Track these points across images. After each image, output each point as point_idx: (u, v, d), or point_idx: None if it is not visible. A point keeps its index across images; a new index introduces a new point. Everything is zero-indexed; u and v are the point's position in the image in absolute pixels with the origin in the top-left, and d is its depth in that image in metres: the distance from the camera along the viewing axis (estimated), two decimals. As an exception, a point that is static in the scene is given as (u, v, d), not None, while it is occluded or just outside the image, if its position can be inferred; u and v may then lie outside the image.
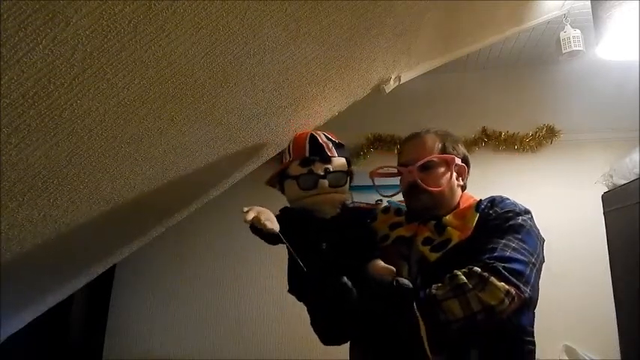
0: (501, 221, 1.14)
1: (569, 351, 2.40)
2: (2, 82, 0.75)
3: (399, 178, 1.31)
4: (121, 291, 2.81)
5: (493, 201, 1.20)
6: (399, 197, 1.34)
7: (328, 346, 1.14)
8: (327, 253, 1.11)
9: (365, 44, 1.27)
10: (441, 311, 1.00)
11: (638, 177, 1.77)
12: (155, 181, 1.33)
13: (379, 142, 2.88)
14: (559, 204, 2.63)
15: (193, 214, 1.81)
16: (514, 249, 1.07)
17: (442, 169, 1.23)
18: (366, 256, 1.14)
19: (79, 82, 0.83)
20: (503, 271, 1.01)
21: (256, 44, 1.00)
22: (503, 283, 1.00)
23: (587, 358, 2.35)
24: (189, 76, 0.98)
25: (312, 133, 1.25)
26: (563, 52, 2.22)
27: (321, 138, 1.23)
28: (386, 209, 1.36)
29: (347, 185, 1.23)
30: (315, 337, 1.14)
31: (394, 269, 1.09)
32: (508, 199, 1.22)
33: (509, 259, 1.04)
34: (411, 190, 1.24)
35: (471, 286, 1.00)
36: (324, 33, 1.10)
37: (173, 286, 2.83)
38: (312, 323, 1.15)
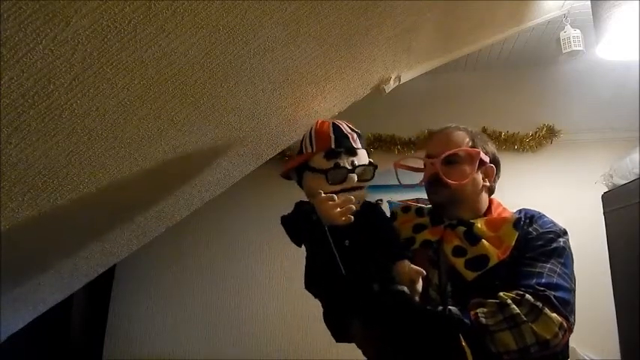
0: (544, 242, 1.10)
1: (569, 351, 2.40)
2: (2, 82, 0.75)
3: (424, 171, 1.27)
4: (121, 291, 2.81)
5: (532, 217, 1.16)
6: (409, 195, 1.31)
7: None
8: (351, 250, 1.04)
9: (365, 44, 1.27)
10: (493, 343, 0.96)
11: (638, 177, 1.78)
12: (155, 181, 1.33)
13: (379, 142, 2.87)
14: (559, 204, 2.62)
15: (193, 214, 1.81)
16: (559, 275, 1.05)
17: (467, 165, 1.19)
18: (393, 255, 1.07)
19: (79, 82, 0.83)
20: (554, 301, 0.99)
21: (256, 44, 1.00)
22: (556, 315, 0.97)
23: (587, 358, 2.35)
24: (189, 76, 0.98)
25: (334, 123, 1.15)
26: (563, 52, 2.22)
27: (345, 128, 1.14)
28: (406, 208, 1.30)
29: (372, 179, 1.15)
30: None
31: (424, 272, 1.02)
32: (546, 216, 1.18)
33: (557, 287, 1.02)
34: (432, 183, 1.20)
35: (524, 317, 0.96)
36: (324, 33, 1.10)
37: (173, 286, 2.83)
38: (326, 319, 1.10)
